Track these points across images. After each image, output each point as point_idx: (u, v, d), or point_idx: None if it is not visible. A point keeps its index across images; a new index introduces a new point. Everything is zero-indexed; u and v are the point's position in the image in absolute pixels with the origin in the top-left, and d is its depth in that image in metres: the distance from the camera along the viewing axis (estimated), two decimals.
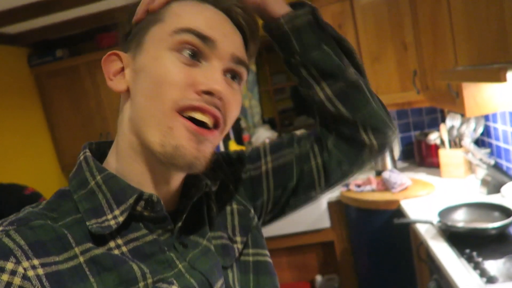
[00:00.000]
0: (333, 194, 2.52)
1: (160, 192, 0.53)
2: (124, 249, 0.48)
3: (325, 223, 2.52)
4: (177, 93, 0.48)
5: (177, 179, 0.55)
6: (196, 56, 0.49)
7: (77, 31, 2.68)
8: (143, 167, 0.52)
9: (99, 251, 0.46)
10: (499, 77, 1.08)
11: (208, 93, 0.48)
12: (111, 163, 0.54)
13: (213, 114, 0.49)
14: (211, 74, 0.49)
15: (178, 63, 0.48)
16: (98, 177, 0.50)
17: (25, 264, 0.42)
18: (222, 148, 3.25)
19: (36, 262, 0.43)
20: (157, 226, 0.52)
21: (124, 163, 0.52)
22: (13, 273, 0.41)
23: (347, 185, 2.45)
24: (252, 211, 0.65)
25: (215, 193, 0.62)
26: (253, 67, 3.46)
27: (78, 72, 2.76)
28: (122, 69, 0.53)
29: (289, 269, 2.70)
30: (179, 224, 0.53)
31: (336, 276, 2.61)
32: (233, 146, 3.25)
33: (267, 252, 0.64)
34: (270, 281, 0.61)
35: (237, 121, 3.41)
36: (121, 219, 0.48)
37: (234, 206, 0.64)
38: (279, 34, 0.62)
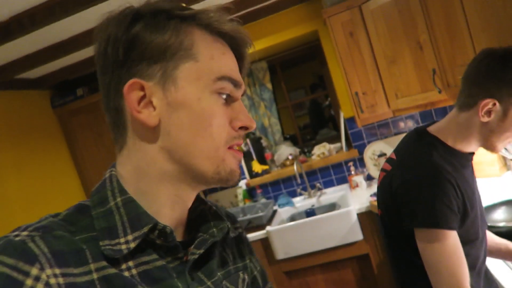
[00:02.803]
0: (362, 205, 2.44)
1: (175, 213, 0.57)
2: (134, 271, 0.50)
3: (357, 235, 2.42)
4: (225, 132, 0.55)
5: (195, 194, 0.60)
6: (229, 98, 0.57)
7: (94, 69, 2.75)
8: (169, 190, 0.56)
9: (112, 270, 0.48)
10: None
11: (244, 128, 0.57)
12: (131, 184, 0.55)
13: (241, 144, 0.59)
14: (243, 111, 0.57)
15: (221, 105, 0.55)
16: (119, 199, 0.53)
17: (48, 271, 0.43)
18: (245, 169, 3.23)
19: (57, 271, 0.44)
20: (168, 254, 0.54)
21: (148, 185, 0.55)
22: (37, 278, 0.42)
23: (376, 194, 2.37)
24: None
25: (230, 249, 0.68)
26: (269, 86, 3.46)
27: (98, 108, 2.83)
28: (142, 98, 0.53)
29: (326, 287, 2.60)
30: (196, 256, 0.56)
31: None
32: (257, 166, 3.22)
33: None
34: None
35: (258, 140, 3.39)
36: (132, 245, 0.50)
37: (247, 274, 0.68)
38: None
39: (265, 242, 2.59)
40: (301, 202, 2.99)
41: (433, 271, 1.04)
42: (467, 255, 1.03)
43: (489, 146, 1.07)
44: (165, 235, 0.53)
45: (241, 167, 3.23)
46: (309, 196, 3.02)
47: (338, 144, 3.16)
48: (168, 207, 0.56)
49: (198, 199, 0.64)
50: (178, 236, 0.59)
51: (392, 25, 2.23)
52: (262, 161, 3.30)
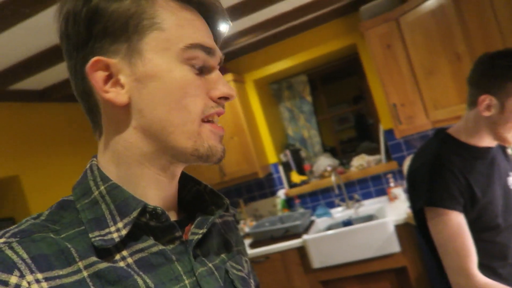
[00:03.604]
0: (399, 216, 2.42)
1: (162, 193, 0.54)
2: (129, 260, 0.48)
3: (395, 247, 2.40)
4: (201, 104, 0.51)
5: (179, 171, 0.57)
6: (203, 68, 0.53)
7: None
8: (151, 170, 0.52)
9: (103, 265, 0.46)
10: None
11: (224, 98, 0.53)
12: (112, 171, 0.52)
13: (223, 113, 0.55)
14: (219, 79, 0.53)
15: (194, 75, 0.51)
16: (102, 187, 0.50)
17: (29, 278, 0.41)
18: (284, 179, 3.30)
19: (39, 276, 0.42)
20: (165, 235, 0.52)
21: (129, 169, 0.52)
22: (17, 287, 0.40)
23: None
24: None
25: (228, 232, 0.65)
26: (309, 98, 3.53)
27: None
28: (109, 77, 0.50)
29: None
30: (199, 236, 0.54)
31: None
32: (295, 177, 3.28)
33: None
34: None
35: (297, 151, 3.45)
36: (124, 232, 0.48)
37: (246, 257, 0.67)
38: None
39: (302, 251, 2.63)
40: (338, 213, 3.00)
41: (442, 251, 1.14)
42: (492, 242, 1.13)
43: (499, 138, 1.16)
44: (157, 216, 0.50)
45: (279, 178, 3.31)
46: (347, 207, 3.03)
47: (377, 156, 3.15)
48: (153, 188, 0.53)
49: (191, 179, 0.62)
50: (172, 217, 0.56)
51: (429, 37, 2.24)
52: (301, 172, 3.36)
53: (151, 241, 0.50)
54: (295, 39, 3.09)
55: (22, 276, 0.41)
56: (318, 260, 2.57)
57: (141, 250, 0.49)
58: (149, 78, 0.49)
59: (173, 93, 0.50)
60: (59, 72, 2.23)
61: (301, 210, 3.17)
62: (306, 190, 3.21)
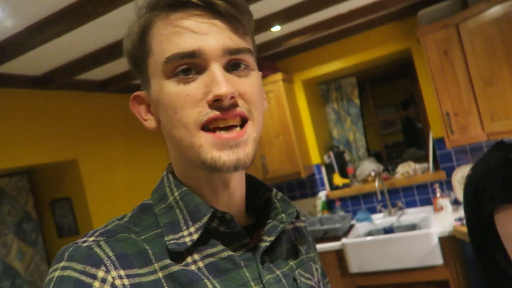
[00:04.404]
0: (444, 228, 2.36)
1: (223, 201, 0.56)
2: (200, 264, 0.50)
3: (437, 259, 2.34)
4: (192, 113, 0.49)
5: (236, 179, 0.56)
6: (191, 71, 0.49)
7: None
8: (202, 180, 0.54)
9: (176, 267, 0.48)
10: None
11: (217, 100, 0.48)
12: (183, 177, 0.56)
13: (234, 115, 0.50)
14: (210, 81, 0.48)
15: (179, 85, 0.49)
16: (176, 193, 0.54)
17: (114, 273, 0.46)
18: (326, 181, 3.29)
19: (122, 272, 0.46)
20: (233, 241, 0.53)
21: (189, 178, 0.55)
22: (103, 281, 0.45)
23: (461, 219, 2.27)
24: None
25: (299, 239, 0.65)
26: (356, 101, 3.49)
27: None
28: (147, 107, 0.56)
29: None
30: (268, 243, 0.54)
31: None
32: (338, 179, 3.27)
33: None
34: None
35: (341, 154, 3.43)
36: (195, 236, 0.50)
37: (317, 265, 0.67)
38: None
39: (340, 254, 2.63)
40: (380, 220, 2.96)
41: None
42: None
43: None
44: (226, 222, 0.52)
45: (321, 179, 3.31)
46: (389, 214, 2.97)
47: (424, 164, 3.07)
48: (212, 195, 0.55)
49: (263, 186, 0.63)
50: (242, 223, 0.58)
51: (491, 45, 2.15)
52: (343, 174, 3.34)
53: (220, 246, 0.52)
54: (348, 41, 3.06)
55: (107, 271, 0.45)
56: (356, 264, 2.55)
57: (211, 255, 0.51)
58: (156, 103, 0.53)
59: (168, 111, 0.50)
60: (119, 65, 2.36)
61: (341, 213, 3.15)
62: (347, 194, 3.19)
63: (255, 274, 0.52)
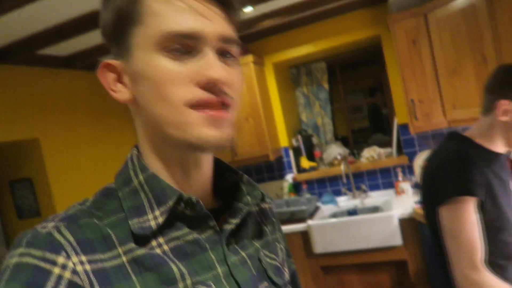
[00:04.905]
0: (405, 211, 2.47)
1: (194, 181, 0.55)
2: (165, 247, 0.50)
3: (397, 240, 2.46)
4: (182, 91, 0.48)
5: (207, 160, 0.57)
6: (186, 50, 0.49)
7: None
8: (172, 160, 0.54)
9: (141, 251, 0.48)
10: None
11: (209, 82, 0.48)
12: (149, 159, 0.55)
13: (221, 100, 0.50)
14: (205, 64, 0.48)
15: (172, 62, 0.48)
16: (141, 177, 0.53)
17: (74, 259, 0.44)
18: (293, 164, 3.34)
19: (83, 258, 0.45)
20: (199, 224, 0.53)
21: (157, 159, 0.54)
22: (64, 267, 0.44)
23: (421, 202, 2.38)
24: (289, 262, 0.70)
25: (265, 220, 0.66)
26: (326, 86, 3.53)
27: None
28: (119, 77, 0.53)
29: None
30: (233, 226, 0.55)
31: None
32: (305, 162, 3.32)
33: None
34: None
35: (309, 137, 3.48)
36: (161, 220, 0.50)
37: (282, 245, 0.68)
38: None
39: (305, 236, 2.70)
40: (344, 202, 3.05)
41: (454, 242, 1.19)
42: (503, 243, 1.19)
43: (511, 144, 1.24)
44: (192, 205, 0.52)
45: (289, 162, 3.35)
46: (353, 197, 3.07)
47: (388, 149, 3.17)
48: (184, 176, 0.55)
49: (228, 168, 0.63)
50: (208, 205, 0.56)
51: (457, 36, 2.22)
52: (310, 158, 3.39)
53: (186, 229, 0.52)
54: (319, 25, 3.07)
55: (68, 257, 0.44)
56: (320, 245, 2.63)
57: (177, 238, 0.51)
58: (137, 75, 0.50)
59: (154, 85, 0.49)
60: (85, 40, 2.25)
61: (307, 195, 3.22)
62: (314, 177, 3.25)
63: (221, 256, 0.53)
